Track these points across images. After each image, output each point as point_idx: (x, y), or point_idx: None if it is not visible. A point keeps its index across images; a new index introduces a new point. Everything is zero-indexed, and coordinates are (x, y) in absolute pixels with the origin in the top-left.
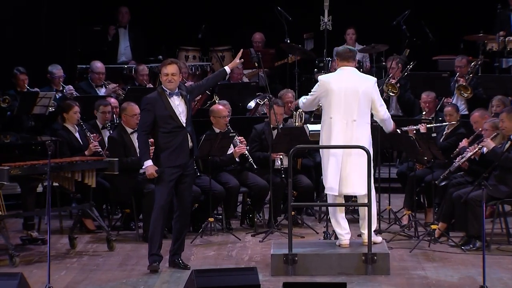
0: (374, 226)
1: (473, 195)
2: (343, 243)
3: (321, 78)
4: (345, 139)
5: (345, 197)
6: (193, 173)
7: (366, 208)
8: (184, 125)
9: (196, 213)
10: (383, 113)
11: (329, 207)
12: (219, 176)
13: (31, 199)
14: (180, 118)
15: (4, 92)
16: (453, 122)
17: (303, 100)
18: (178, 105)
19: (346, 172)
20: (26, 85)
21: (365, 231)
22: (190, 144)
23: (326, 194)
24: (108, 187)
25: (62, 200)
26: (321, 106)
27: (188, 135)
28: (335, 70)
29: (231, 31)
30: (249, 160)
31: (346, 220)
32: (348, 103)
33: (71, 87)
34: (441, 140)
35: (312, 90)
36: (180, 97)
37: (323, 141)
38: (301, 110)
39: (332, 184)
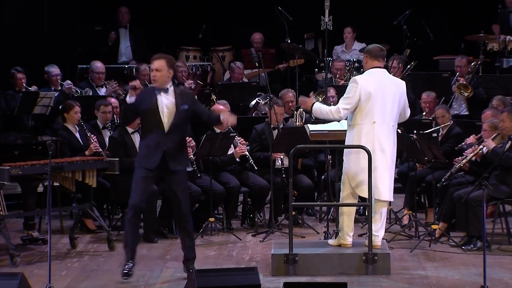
0: (383, 231)
1: (473, 195)
2: (348, 243)
3: (360, 80)
4: (389, 144)
5: None
6: (179, 176)
7: (382, 211)
8: (166, 129)
9: (196, 213)
10: (408, 115)
11: (346, 207)
12: (220, 176)
13: (31, 199)
14: (162, 119)
15: (4, 93)
16: (446, 124)
17: (343, 111)
18: (166, 105)
19: (387, 177)
20: (24, 85)
21: (378, 234)
22: (166, 150)
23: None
24: (109, 187)
25: (63, 200)
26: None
27: (167, 142)
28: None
29: (231, 31)
30: (250, 161)
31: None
32: (388, 108)
33: (69, 81)
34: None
35: (347, 93)
36: (172, 96)
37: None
38: (301, 109)
39: (383, 189)
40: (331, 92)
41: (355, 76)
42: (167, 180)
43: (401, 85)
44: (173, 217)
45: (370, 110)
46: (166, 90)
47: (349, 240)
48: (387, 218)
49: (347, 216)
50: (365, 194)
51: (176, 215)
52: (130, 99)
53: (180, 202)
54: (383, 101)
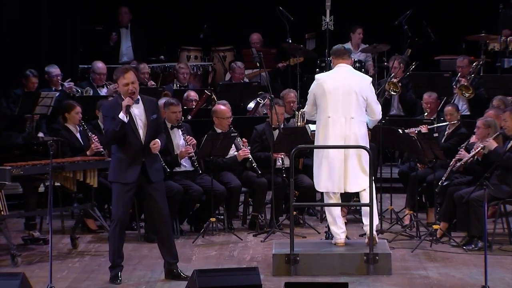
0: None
1: (474, 195)
2: (339, 242)
3: (318, 77)
4: (344, 136)
5: (346, 197)
6: (158, 185)
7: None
8: (143, 142)
9: (198, 213)
10: (379, 112)
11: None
12: (221, 176)
13: (33, 199)
14: (138, 132)
15: (10, 92)
16: (453, 122)
17: (305, 109)
18: (138, 116)
19: (347, 171)
20: (35, 88)
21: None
22: (145, 161)
23: (323, 193)
24: (110, 187)
25: (64, 200)
26: None
27: (145, 154)
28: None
29: (232, 31)
30: (253, 165)
31: (342, 218)
32: (345, 101)
33: (70, 82)
34: (442, 140)
35: (309, 91)
36: (142, 106)
37: (319, 140)
38: (303, 110)
39: (327, 183)
40: None
41: None
42: (146, 190)
43: (365, 79)
44: (155, 222)
45: (326, 105)
46: (137, 101)
47: (338, 238)
48: (388, 218)
49: (329, 215)
50: (319, 188)
51: (158, 223)
52: (124, 117)
53: (162, 211)
54: (342, 95)
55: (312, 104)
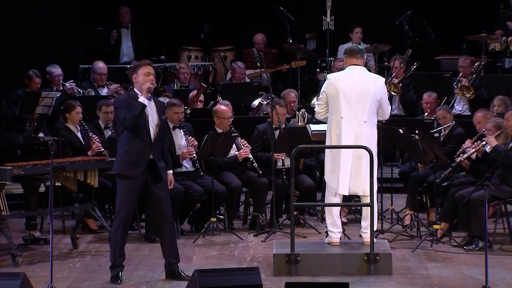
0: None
1: (475, 195)
2: (334, 241)
3: (331, 76)
4: (356, 139)
5: (347, 197)
6: (163, 183)
7: (369, 208)
8: (152, 139)
9: (198, 213)
10: (388, 113)
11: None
12: (222, 176)
13: (33, 199)
14: (149, 128)
15: (11, 92)
16: (448, 124)
17: (316, 109)
18: (151, 114)
19: (360, 173)
20: (38, 89)
21: (367, 231)
22: (154, 158)
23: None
24: (110, 187)
25: (65, 200)
26: None
27: (153, 151)
28: (342, 69)
29: (233, 31)
30: (254, 165)
31: (340, 218)
32: (359, 104)
33: (71, 82)
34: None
35: (320, 91)
36: (154, 106)
37: (332, 141)
38: (303, 110)
39: (343, 183)
40: None
41: None
42: (150, 188)
43: (379, 81)
44: (158, 222)
45: (338, 106)
46: (150, 98)
47: (334, 237)
48: (388, 218)
49: (330, 214)
50: (340, 191)
51: (161, 220)
52: (145, 100)
53: (165, 208)
54: (356, 97)
55: (325, 104)
